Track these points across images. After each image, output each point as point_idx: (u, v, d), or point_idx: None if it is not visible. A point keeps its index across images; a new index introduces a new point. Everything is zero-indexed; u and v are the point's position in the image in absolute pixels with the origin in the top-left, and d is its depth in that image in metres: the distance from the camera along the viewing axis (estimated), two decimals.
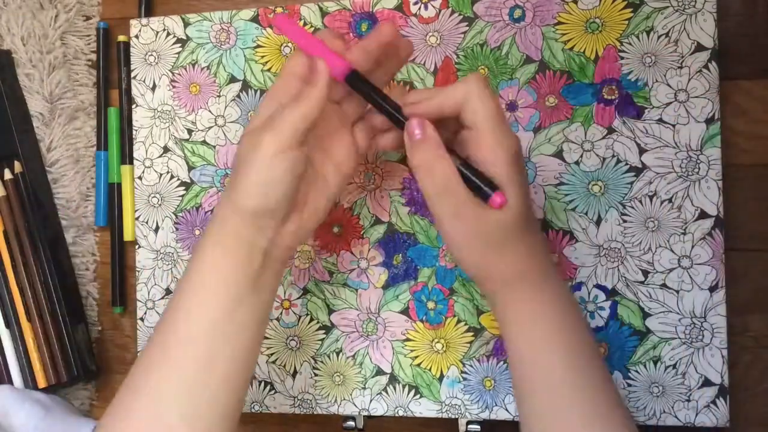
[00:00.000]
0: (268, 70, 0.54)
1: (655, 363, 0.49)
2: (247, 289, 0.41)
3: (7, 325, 0.58)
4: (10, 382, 0.58)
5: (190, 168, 0.55)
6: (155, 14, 0.59)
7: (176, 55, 0.55)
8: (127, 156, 0.58)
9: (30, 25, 0.59)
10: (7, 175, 0.58)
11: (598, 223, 0.49)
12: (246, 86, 0.54)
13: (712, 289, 0.47)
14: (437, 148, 0.40)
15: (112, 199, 0.59)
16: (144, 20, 0.56)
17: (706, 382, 0.47)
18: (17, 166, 0.58)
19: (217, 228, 0.41)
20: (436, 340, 0.52)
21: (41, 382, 0.57)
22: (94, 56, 0.60)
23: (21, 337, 0.58)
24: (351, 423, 0.53)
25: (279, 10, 0.53)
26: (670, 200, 0.48)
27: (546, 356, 0.40)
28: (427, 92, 0.41)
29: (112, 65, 0.60)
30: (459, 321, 0.51)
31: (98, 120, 0.60)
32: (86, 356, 0.59)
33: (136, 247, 0.56)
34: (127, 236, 0.59)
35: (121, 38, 0.59)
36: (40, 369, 0.57)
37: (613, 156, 0.49)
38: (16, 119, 0.59)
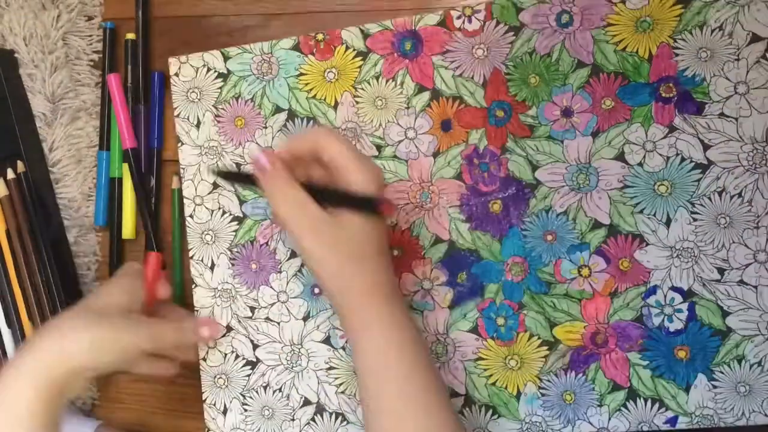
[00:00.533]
0: (313, 96, 0.53)
1: (740, 362, 0.47)
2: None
3: (9, 324, 0.57)
4: None
5: (242, 202, 0.54)
6: (153, 15, 0.59)
7: (218, 90, 0.55)
8: (130, 156, 0.57)
9: (32, 25, 0.58)
10: (10, 174, 0.57)
11: (667, 223, 0.48)
12: (292, 115, 0.54)
13: None
14: (286, 176, 0.43)
15: (112, 199, 0.59)
16: (183, 57, 0.55)
17: None
18: (20, 166, 0.58)
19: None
20: (509, 357, 0.51)
21: None
22: (96, 56, 0.60)
23: (22, 336, 0.57)
24: None
25: (320, 36, 0.53)
26: (739, 194, 0.47)
27: (390, 362, 0.42)
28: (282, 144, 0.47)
29: (116, 64, 0.59)
30: (532, 335, 0.50)
31: (101, 120, 0.59)
32: None
33: (193, 286, 0.55)
34: (126, 234, 0.59)
35: (129, 36, 0.58)
36: None
37: (677, 154, 0.48)
38: (19, 119, 0.58)
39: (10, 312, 0.57)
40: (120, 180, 0.59)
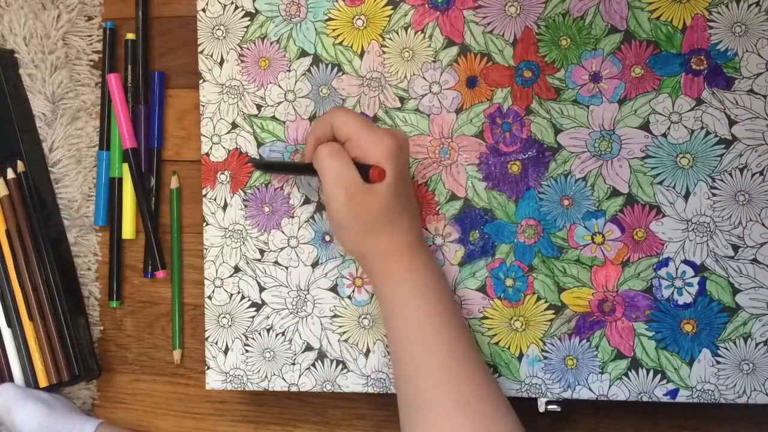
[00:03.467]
0: (340, 43, 0.53)
1: (746, 340, 0.47)
2: None
3: (9, 324, 0.58)
4: (12, 380, 0.57)
5: (259, 144, 0.54)
6: (153, 15, 0.60)
7: (245, 29, 0.54)
8: (130, 156, 0.58)
9: (32, 25, 0.58)
10: (10, 174, 0.58)
11: (686, 197, 0.48)
12: (317, 60, 0.53)
13: None
14: (337, 147, 0.47)
15: (112, 199, 0.59)
16: None
17: None
18: (20, 166, 0.58)
19: None
20: (514, 318, 0.51)
21: (42, 382, 0.57)
22: (96, 56, 0.60)
23: (23, 336, 0.57)
24: None
25: None
26: (761, 173, 0.47)
27: (413, 307, 0.46)
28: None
29: (116, 64, 0.60)
30: (539, 298, 0.50)
31: (101, 120, 0.60)
32: (88, 356, 0.59)
33: (204, 224, 0.55)
34: (126, 234, 0.59)
35: (129, 36, 0.59)
36: (41, 368, 0.57)
37: (702, 128, 0.48)
38: (19, 119, 0.58)
39: (10, 312, 0.57)
40: (120, 180, 0.60)
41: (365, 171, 0.45)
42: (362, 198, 0.45)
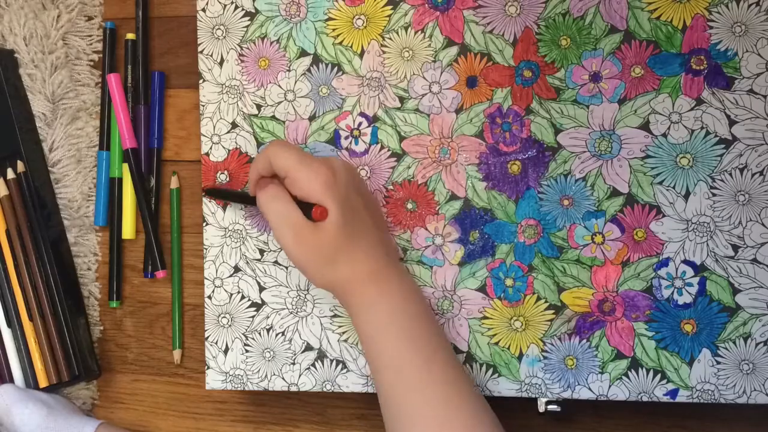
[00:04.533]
0: (340, 43, 0.53)
1: (746, 340, 0.47)
2: None
3: (9, 324, 0.58)
4: (12, 381, 0.57)
5: (259, 144, 0.54)
6: (153, 15, 0.60)
7: (245, 29, 0.54)
8: (130, 156, 0.58)
9: (32, 25, 0.58)
10: (10, 174, 0.58)
11: (686, 197, 0.48)
12: (317, 60, 0.53)
13: None
14: (276, 189, 0.47)
15: (112, 199, 0.59)
16: None
17: None
18: (20, 166, 0.58)
19: None
20: (514, 318, 0.51)
21: (42, 382, 0.57)
22: (95, 56, 0.60)
23: (22, 336, 0.57)
24: None
25: None
26: (761, 173, 0.47)
27: (385, 335, 0.46)
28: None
29: (116, 64, 0.60)
30: (539, 298, 0.50)
31: (101, 120, 0.60)
32: (88, 356, 0.59)
33: (204, 224, 0.55)
34: (126, 234, 0.59)
35: (129, 36, 0.59)
36: (41, 368, 0.57)
37: (702, 128, 0.48)
38: (19, 119, 0.58)
39: (10, 312, 0.57)
40: (120, 180, 0.60)
41: (308, 209, 0.46)
42: (309, 237, 0.46)
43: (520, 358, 0.50)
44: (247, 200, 0.51)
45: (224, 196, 0.54)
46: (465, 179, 0.51)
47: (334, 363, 0.53)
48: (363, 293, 0.46)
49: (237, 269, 0.54)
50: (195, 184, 0.59)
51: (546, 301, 0.50)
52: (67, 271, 0.59)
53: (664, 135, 0.48)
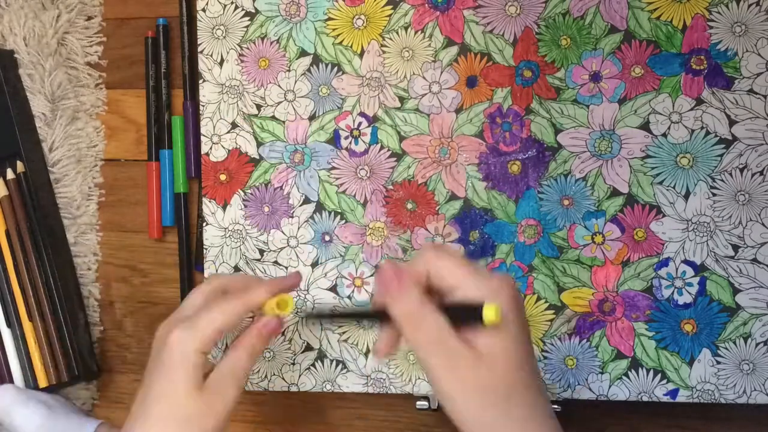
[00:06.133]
0: (340, 43, 0.53)
1: (746, 340, 0.47)
2: None
3: (9, 324, 0.57)
4: (11, 381, 0.57)
5: (259, 144, 0.54)
6: (146, 14, 0.59)
7: (245, 29, 0.54)
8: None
9: (32, 25, 0.58)
10: (10, 174, 0.58)
11: (686, 196, 0.48)
12: (317, 60, 0.53)
13: None
14: (421, 297, 0.37)
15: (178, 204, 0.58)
16: None
17: None
18: (19, 166, 0.58)
19: None
20: None
21: (42, 382, 0.56)
22: (94, 58, 0.60)
23: (22, 336, 0.57)
24: (425, 403, 0.51)
25: None
26: (761, 173, 0.47)
27: None
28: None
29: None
30: (539, 298, 0.50)
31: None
32: (87, 356, 0.58)
33: (204, 224, 0.55)
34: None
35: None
36: (41, 368, 0.56)
37: (702, 128, 0.48)
38: (19, 119, 0.58)
39: (10, 312, 0.57)
40: (185, 195, 0.58)
41: (472, 313, 0.35)
42: (471, 367, 0.35)
43: None
44: (376, 318, 0.40)
45: (335, 316, 0.49)
46: (465, 179, 0.51)
47: (334, 363, 0.53)
48: None
49: (237, 269, 0.54)
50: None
51: (546, 301, 0.50)
52: (66, 271, 0.59)
53: (664, 135, 0.48)
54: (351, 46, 0.53)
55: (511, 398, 0.35)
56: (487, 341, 0.35)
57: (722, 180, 0.48)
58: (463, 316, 0.36)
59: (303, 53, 0.53)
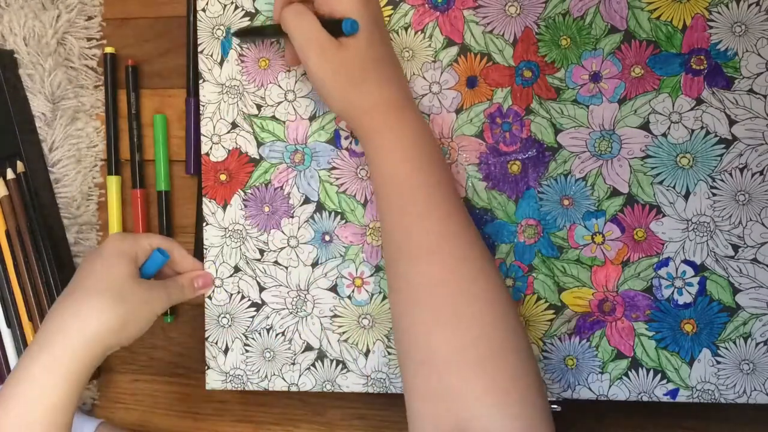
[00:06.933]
0: None
1: (746, 339, 0.47)
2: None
3: (9, 324, 0.58)
4: None
5: (259, 144, 0.54)
6: (151, 14, 0.60)
7: None
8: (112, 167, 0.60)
9: (32, 25, 0.58)
10: (10, 174, 0.58)
11: (686, 196, 0.48)
12: None
13: None
14: (301, 6, 0.46)
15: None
16: None
17: None
18: (20, 166, 0.58)
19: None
20: None
21: None
22: (93, 60, 0.60)
23: (22, 336, 0.57)
24: None
25: None
26: (761, 173, 0.47)
27: (398, 159, 0.45)
28: None
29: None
30: (539, 298, 0.50)
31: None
32: None
33: (204, 224, 0.55)
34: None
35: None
36: None
37: (702, 128, 0.48)
38: (19, 119, 0.58)
39: (10, 312, 0.57)
40: (167, 193, 0.60)
41: (336, 26, 0.44)
42: (336, 54, 0.44)
43: None
44: (275, 32, 0.50)
45: (252, 33, 0.53)
46: (465, 179, 0.51)
47: (334, 363, 0.53)
48: (386, 119, 0.45)
49: (237, 269, 0.54)
50: (192, 185, 0.59)
51: (546, 301, 0.50)
52: (67, 271, 0.59)
53: (664, 135, 0.48)
54: None
55: (366, 81, 0.45)
56: (353, 40, 0.45)
57: (722, 180, 0.48)
58: (329, 27, 0.45)
59: None
